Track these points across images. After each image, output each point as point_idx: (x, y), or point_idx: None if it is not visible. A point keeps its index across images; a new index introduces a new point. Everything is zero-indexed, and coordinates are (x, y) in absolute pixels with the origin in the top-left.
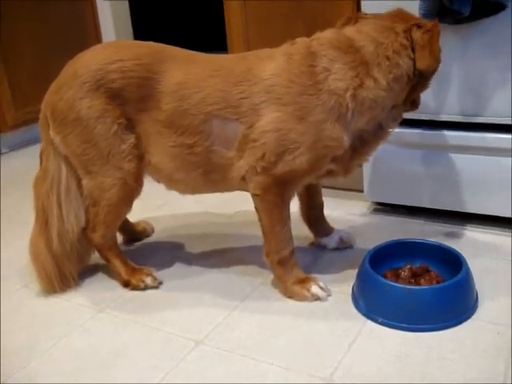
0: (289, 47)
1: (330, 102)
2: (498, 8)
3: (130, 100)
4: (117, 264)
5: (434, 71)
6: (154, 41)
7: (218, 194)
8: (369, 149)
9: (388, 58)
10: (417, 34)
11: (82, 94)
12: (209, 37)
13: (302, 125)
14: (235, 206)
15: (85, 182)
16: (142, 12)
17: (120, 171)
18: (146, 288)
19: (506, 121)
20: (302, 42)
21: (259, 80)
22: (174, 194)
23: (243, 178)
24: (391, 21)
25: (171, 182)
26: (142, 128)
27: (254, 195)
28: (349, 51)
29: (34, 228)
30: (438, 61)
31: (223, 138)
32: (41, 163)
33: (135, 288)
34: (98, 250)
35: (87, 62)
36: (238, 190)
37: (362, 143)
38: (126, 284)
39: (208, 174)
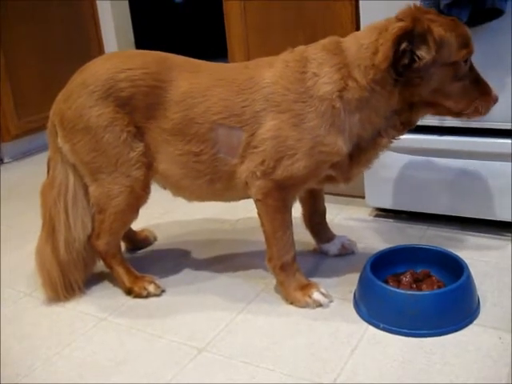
0: (287, 55)
1: (322, 108)
2: (496, 14)
3: (138, 108)
4: (120, 272)
5: (380, 70)
6: (156, 48)
7: (221, 202)
8: (368, 157)
9: (366, 59)
10: (388, 30)
11: (92, 103)
12: (210, 44)
13: (298, 131)
14: (238, 213)
15: (92, 189)
16: (143, 18)
17: (128, 179)
18: (148, 296)
19: (507, 126)
20: (298, 49)
21: (259, 88)
22: (177, 201)
23: (246, 184)
24: (390, 21)
25: (178, 189)
26: (150, 136)
27: (255, 200)
28: (336, 53)
29: (41, 236)
30: (386, 59)
31: (228, 145)
32: (48, 171)
33: (138, 296)
34: (101, 257)
35: (96, 72)
36: (243, 198)
37: (360, 151)
38: (129, 292)
39: (214, 183)
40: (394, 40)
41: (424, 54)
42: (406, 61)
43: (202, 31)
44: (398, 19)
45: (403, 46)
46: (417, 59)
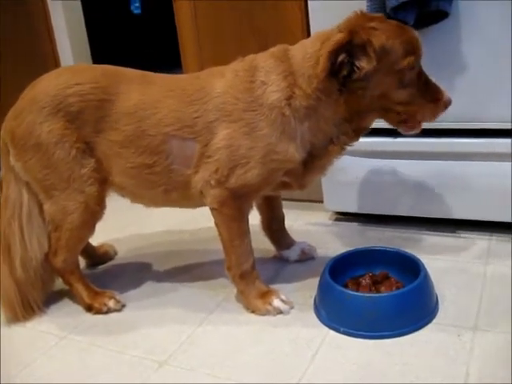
0: (237, 64)
1: (272, 116)
2: (441, 16)
3: (88, 122)
4: (79, 288)
5: (319, 81)
6: (113, 61)
7: (180, 212)
8: (322, 164)
9: (309, 67)
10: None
11: (42, 119)
12: (168, 55)
13: (250, 140)
14: (198, 223)
15: (46, 206)
16: (99, 31)
17: (82, 195)
18: (108, 311)
19: (459, 126)
20: (248, 58)
21: (211, 98)
22: (137, 214)
23: (201, 193)
24: (334, 30)
25: (135, 197)
26: (101, 150)
27: (211, 209)
28: (283, 60)
29: None
30: (323, 71)
31: (182, 157)
32: (1, 191)
33: (98, 312)
34: (59, 274)
35: (45, 87)
36: (200, 206)
37: (313, 158)
38: (89, 308)
39: (169, 192)
40: (330, 53)
41: (364, 64)
42: (345, 72)
43: (161, 43)
44: (339, 30)
45: (341, 57)
46: (356, 70)
